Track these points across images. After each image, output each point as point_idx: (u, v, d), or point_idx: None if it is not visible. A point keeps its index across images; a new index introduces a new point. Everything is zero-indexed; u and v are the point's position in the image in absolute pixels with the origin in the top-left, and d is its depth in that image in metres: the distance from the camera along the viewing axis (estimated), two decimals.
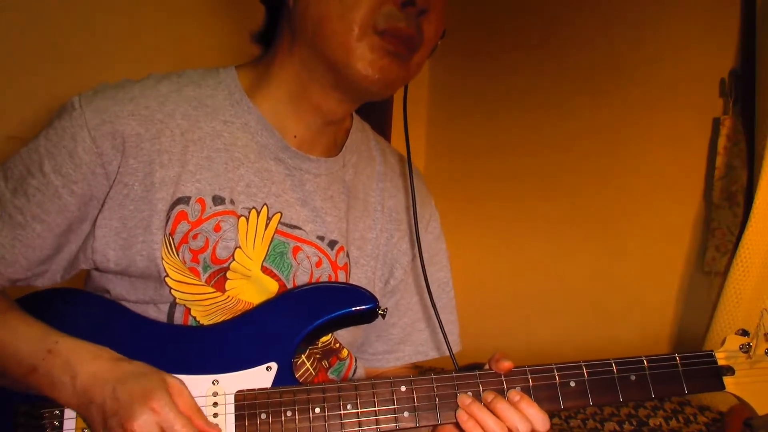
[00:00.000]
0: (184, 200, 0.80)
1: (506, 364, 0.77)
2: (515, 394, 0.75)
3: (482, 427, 0.73)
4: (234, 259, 0.81)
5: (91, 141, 0.77)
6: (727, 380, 0.79)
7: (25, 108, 1.34)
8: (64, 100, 0.80)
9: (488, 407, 0.74)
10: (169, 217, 0.79)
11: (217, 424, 0.73)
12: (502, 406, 0.74)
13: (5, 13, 1.35)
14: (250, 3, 0.93)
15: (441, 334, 0.99)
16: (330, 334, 0.89)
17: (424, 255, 0.91)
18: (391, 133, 2.52)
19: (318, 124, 0.87)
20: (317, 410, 0.75)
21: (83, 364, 0.72)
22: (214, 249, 0.80)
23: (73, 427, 0.74)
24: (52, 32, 1.44)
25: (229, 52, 1.64)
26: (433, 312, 0.99)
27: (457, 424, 0.77)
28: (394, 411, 0.75)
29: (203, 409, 0.74)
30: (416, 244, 0.92)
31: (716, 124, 2.24)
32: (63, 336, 0.75)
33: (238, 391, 0.75)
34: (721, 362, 0.79)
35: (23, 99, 1.38)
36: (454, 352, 0.91)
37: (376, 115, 1.07)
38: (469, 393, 0.76)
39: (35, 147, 0.78)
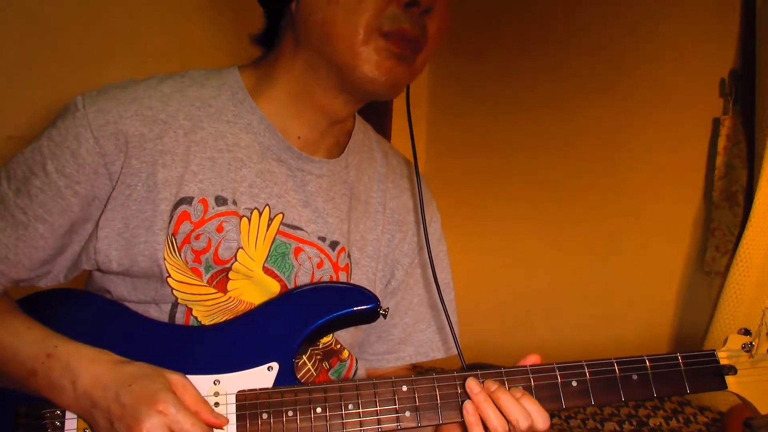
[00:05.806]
0: (187, 200, 0.79)
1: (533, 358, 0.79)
2: (517, 392, 0.75)
3: (484, 421, 0.73)
4: (236, 260, 0.81)
5: (94, 141, 0.76)
6: (730, 380, 0.78)
7: (25, 108, 1.34)
8: (65, 100, 0.80)
9: (491, 396, 0.73)
10: (172, 218, 0.79)
11: (223, 415, 0.73)
12: (505, 397, 0.73)
13: (6, 13, 1.35)
14: (250, 3, 0.93)
15: (441, 335, 0.99)
16: (331, 335, 0.89)
17: (425, 256, 0.91)
18: (391, 133, 2.53)
19: (323, 125, 0.86)
20: (318, 410, 0.74)
21: (83, 368, 0.72)
22: (216, 249, 0.80)
23: (75, 427, 0.74)
24: (52, 32, 1.44)
25: (230, 52, 1.64)
26: (434, 312, 1.00)
27: (459, 424, 0.77)
28: (396, 411, 0.75)
29: None
30: (424, 244, 0.92)
31: (716, 124, 2.25)
32: (63, 339, 0.75)
33: (239, 391, 0.75)
34: (723, 361, 0.79)
35: (23, 99, 1.38)
36: (450, 353, 0.90)
37: (376, 114, 1.07)
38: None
39: (38, 147, 0.78)
